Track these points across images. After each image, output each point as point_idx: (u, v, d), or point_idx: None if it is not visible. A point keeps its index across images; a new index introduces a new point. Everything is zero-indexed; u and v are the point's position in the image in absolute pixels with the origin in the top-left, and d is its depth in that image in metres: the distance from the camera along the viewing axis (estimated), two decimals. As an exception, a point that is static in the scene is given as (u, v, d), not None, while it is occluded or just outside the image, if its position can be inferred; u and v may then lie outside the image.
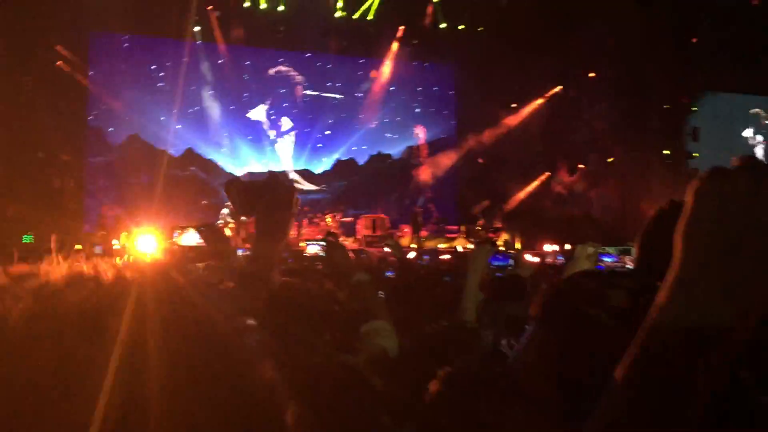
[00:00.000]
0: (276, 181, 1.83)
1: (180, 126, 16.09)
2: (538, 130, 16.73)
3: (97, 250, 6.72)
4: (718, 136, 17.66)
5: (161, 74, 16.14)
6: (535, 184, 17.25)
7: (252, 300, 1.52)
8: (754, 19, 14.35)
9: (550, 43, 15.15)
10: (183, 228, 10.41)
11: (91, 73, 15.23)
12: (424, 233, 15.54)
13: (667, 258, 0.74)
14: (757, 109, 18.41)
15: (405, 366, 1.94)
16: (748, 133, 18.60)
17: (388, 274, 5.49)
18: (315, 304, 2.18)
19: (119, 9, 14.29)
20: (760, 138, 18.77)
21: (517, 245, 15.01)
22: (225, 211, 13.97)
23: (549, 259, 10.15)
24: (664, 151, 16.33)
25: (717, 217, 0.69)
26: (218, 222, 13.75)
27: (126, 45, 15.80)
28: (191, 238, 9.04)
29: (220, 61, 16.48)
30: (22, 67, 12.92)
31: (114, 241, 12.98)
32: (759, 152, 18.66)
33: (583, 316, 1.10)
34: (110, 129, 15.71)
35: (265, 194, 1.71)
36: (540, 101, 17.18)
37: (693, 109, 16.56)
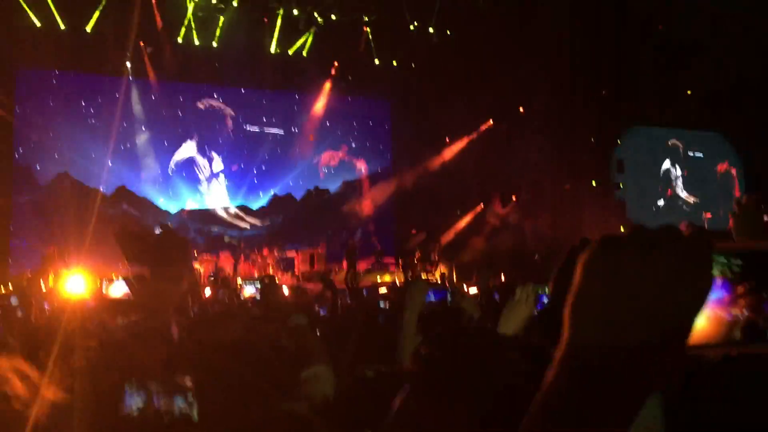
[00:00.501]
0: (170, 235, 1.79)
1: (111, 163, 15.75)
2: (471, 164, 17.08)
3: (13, 301, 6.40)
4: (641, 167, 18.45)
5: (92, 110, 15.80)
6: (469, 216, 17.57)
7: (148, 358, 1.48)
8: (674, 58, 15.13)
9: (482, 78, 15.60)
10: (111, 278, 10.07)
11: (17, 110, 14.80)
12: (361, 267, 15.56)
13: None
14: (673, 140, 19.26)
15: (346, 413, 1.94)
16: (666, 164, 19.44)
17: (323, 312, 5.49)
18: (252, 350, 2.16)
19: (48, 46, 14.03)
20: (677, 169, 19.62)
21: (454, 277, 15.21)
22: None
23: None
24: (593, 182, 16.92)
25: (603, 293, 0.66)
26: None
27: (55, 81, 15.44)
28: (119, 288, 8.70)
29: (152, 97, 16.26)
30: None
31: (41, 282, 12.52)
32: (678, 183, 19.52)
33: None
34: (38, 167, 15.24)
35: (158, 248, 1.71)
36: (472, 135, 17.60)
37: (618, 141, 17.26)
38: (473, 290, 11.66)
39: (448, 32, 16.21)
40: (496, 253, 15.35)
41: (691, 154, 19.62)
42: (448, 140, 17.74)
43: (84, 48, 14.40)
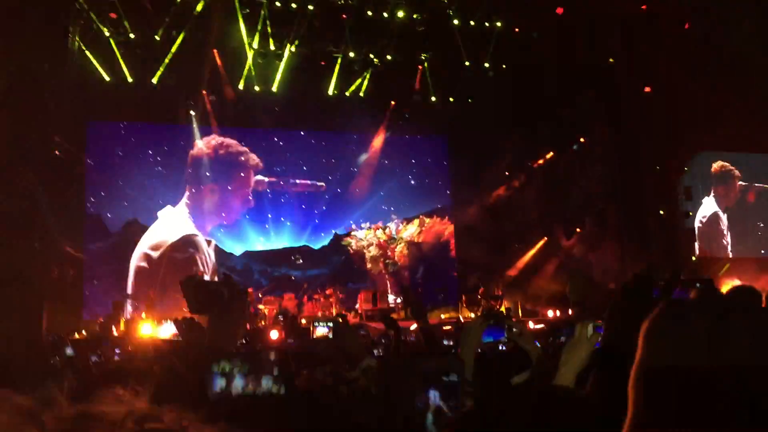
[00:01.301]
0: (230, 284, 1.86)
1: (188, 205, 16.26)
2: (532, 197, 16.88)
3: (69, 351, 6.58)
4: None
5: (159, 159, 16.34)
6: (532, 250, 17.30)
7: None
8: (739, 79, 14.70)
9: (540, 110, 15.49)
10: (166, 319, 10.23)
11: (88, 161, 15.42)
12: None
13: (632, 335, 0.67)
14: (720, 162, 18.35)
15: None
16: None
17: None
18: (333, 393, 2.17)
19: (116, 99, 14.65)
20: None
21: (519, 312, 14.96)
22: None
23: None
24: (660, 212, 16.45)
25: (673, 365, 0.60)
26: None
27: (123, 132, 16.07)
28: (168, 329, 8.81)
29: (231, 149, 16.75)
30: (21, 159, 13.05)
31: (113, 328, 12.88)
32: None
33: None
34: (108, 215, 15.78)
35: (219, 296, 1.75)
36: (533, 168, 17.42)
37: (685, 168, 16.77)
38: (538, 326, 11.47)
39: (504, 66, 16.17)
40: (562, 286, 15.04)
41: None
42: (507, 174, 17.60)
43: (150, 99, 14.94)
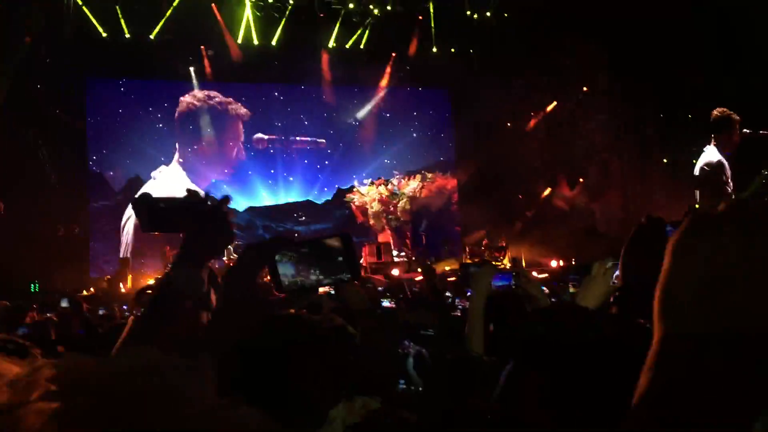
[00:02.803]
0: (197, 199, 1.54)
1: (182, 166, 16.20)
2: (536, 147, 16.80)
3: (63, 303, 6.68)
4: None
5: (159, 116, 16.25)
6: (536, 200, 17.30)
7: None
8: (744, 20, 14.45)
9: (543, 60, 15.29)
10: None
11: (89, 119, 15.34)
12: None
13: (647, 276, 0.68)
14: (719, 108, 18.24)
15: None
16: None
17: (385, 303, 5.46)
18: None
19: (114, 55, 14.49)
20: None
21: (523, 263, 15.03)
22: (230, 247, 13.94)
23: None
24: (664, 160, 16.38)
25: (703, 278, 0.58)
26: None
27: (122, 89, 15.94)
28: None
29: (216, 99, 16.61)
30: (22, 118, 13.00)
31: (120, 285, 13.02)
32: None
33: (569, 353, 1.10)
34: (111, 173, 15.77)
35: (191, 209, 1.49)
36: (536, 118, 17.29)
37: (688, 116, 16.63)
38: (542, 275, 11.56)
39: (506, 15, 15.92)
40: (565, 236, 15.12)
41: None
42: (510, 125, 17.48)
43: (149, 55, 14.77)
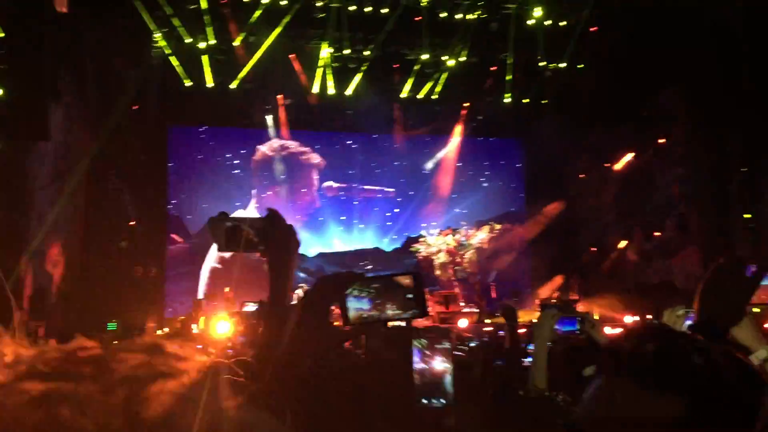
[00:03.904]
0: (276, 217, 1.75)
1: (257, 211, 16.58)
2: (610, 199, 16.48)
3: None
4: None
5: (236, 162, 16.76)
6: (610, 253, 16.87)
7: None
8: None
9: (618, 111, 15.11)
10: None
11: (170, 164, 15.94)
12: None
13: (725, 311, 0.75)
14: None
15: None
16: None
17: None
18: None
19: (195, 104, 15.09)
20: None
21: (596, 317, 14.60)
22: (299, 292, 14.05)
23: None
24: (745, 215, 15.80)
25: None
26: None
27: (202, 136, 16.55)
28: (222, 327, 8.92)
29: (290, 148, 17.04)
30: (109, 164, 13.58)
31: (193, 326, 13.23)
32: None
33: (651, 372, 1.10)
34: (189, 217, 16.25)
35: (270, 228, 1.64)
36: (611, 170, 16.99)
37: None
38: (615, 330, 11.16)
39: (580, 66, 15.86)
40: (638, 291, 14.64)
41: None
42: (583, 176, 17.24)
43: (228, 103, 15.32)
